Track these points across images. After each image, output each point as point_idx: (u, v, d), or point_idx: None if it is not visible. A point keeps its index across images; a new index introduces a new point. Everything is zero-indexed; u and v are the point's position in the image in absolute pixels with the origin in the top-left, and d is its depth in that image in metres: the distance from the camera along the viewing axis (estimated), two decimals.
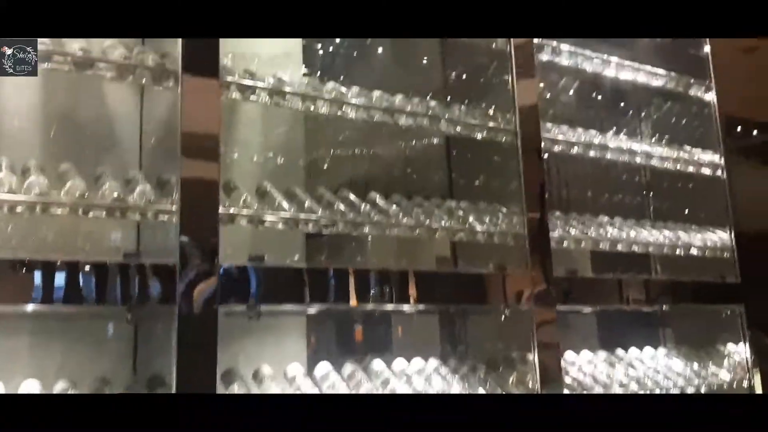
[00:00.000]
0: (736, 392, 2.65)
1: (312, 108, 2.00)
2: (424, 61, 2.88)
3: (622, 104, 3.17)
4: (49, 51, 1.60)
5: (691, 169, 2.81)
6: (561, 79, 2.89)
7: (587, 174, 2.95)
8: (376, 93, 2.15)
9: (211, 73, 1.72)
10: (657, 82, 2.86)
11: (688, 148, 2.87)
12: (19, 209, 1.53)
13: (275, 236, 1.99)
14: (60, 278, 1.49)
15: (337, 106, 2.03)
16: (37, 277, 1.47)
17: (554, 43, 2.51)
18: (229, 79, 1.81)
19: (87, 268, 1.51)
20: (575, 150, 2.47)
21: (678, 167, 2.78)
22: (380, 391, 1.95)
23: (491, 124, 2.30)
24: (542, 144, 2.31)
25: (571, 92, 2.97)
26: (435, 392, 2.01)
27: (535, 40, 2.39)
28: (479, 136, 2.29)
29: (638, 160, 2.67)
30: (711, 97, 2.93)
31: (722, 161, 2.86)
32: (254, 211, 1.78)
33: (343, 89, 2.09)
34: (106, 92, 1.98)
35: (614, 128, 2.93)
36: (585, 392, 2.27)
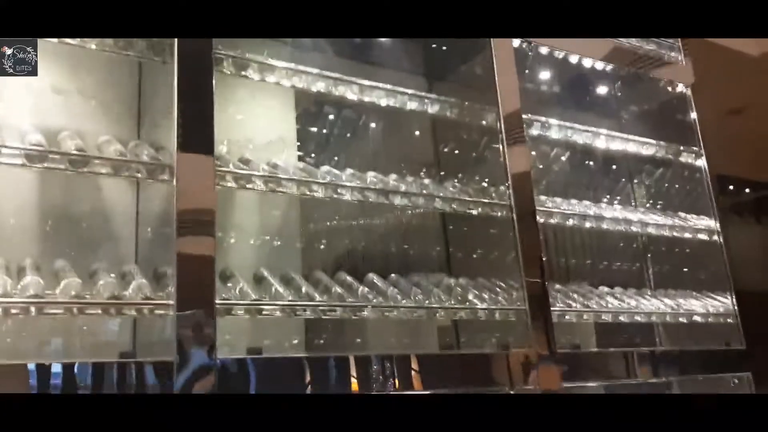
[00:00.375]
0: None
1: (307, 192, 2.01)
2: (416, 135, 2.92)
3: (614, 171, 3.20)
4: (45, 150, 1.62)
5: (687, 235, 2.81)
6: (552, 152, 2.92)
7: (583, 243, 2.95)
8: (370, 174, 2.17)
9: (206, 151, 1.72)
10: (647, 151, 2.89)
11: (683, 214, 2.88)
12: (14, 311, 1.51)
13: (274, 320, 1.96)
14: (56, 381, 1.46)
15: (332, 190, 2.04)
16: (33, 380, 1.43)
17: (543, 118, 2.55)
18: (225, 169, 1.83)
19: (83, 369, 1.48)
20: (571, 222, 2.47)
21: (674, 234, 2.78)
22: None
23: (485, 199, 2.31)
24: (538, 217, 2.31)
25: (563, 160, 3.00)
26: None
27: (525, 116, 2.42)
28: (475, 212, 2.29)
29: (634, 228, 2.67)
30: (702, 163, 2.96)
31: (717, 226, 2.87)
32: (251, 300, 1.77)
33: (337, 171, 2.11)
34: (101, 187, 1.99)
35: (608, 196, 2.95)
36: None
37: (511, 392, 2.06)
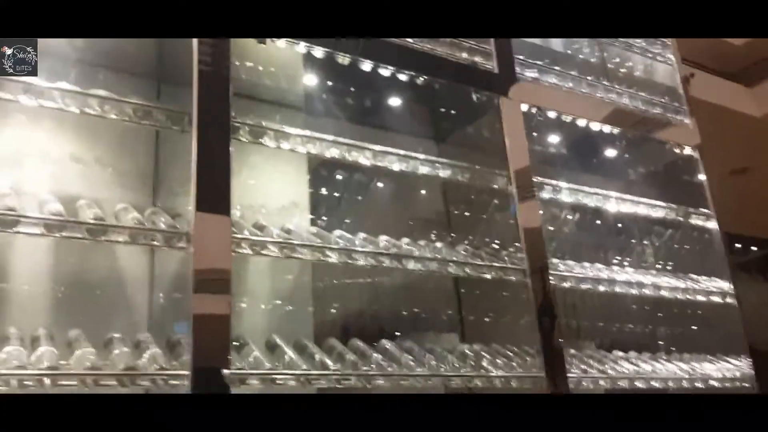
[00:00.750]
0: None
1: (321, 257, 2.01)
2: (426, 197, 2.93)
3: (623, 233, 3.20)
4: (63, 220, 1.62)
5: (700, 297, 2.79)
6: (562, 214, 2.93)
7: (594, 304, 2.93)
8: (383, 239, 2.17)
9: (222, 213, 1.74)
10: (657, 214, 2.90)
11: (694, 276, 2.87)
12: (27, 382, 1.49)
13: (287, 387, 1.94)
14: None
15: (345, 255, 2.03)
16: None
17: (554, 181, 2.57)
18: (239, 236, 1.83)
19: None
20: (584, 286, 2.46)
21: (687, 297, 2.76)
22: None
23: (498, 263, 2.30)
24: (551, 281, 2.30)
25: (573, 223, 3.01)
26: None
27: (535, 179, 2.44)
28: (488, 276, 2.28)
29: (647, 291, 2.65)
30: (712, 224, 2.96)
31: (731, 287, 2.85)
32: (266, 371, 1.74)
33: (350, 236, 2.11)
34: (115, 253, 1.99)
35: (618, 257, 2.94)
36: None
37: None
